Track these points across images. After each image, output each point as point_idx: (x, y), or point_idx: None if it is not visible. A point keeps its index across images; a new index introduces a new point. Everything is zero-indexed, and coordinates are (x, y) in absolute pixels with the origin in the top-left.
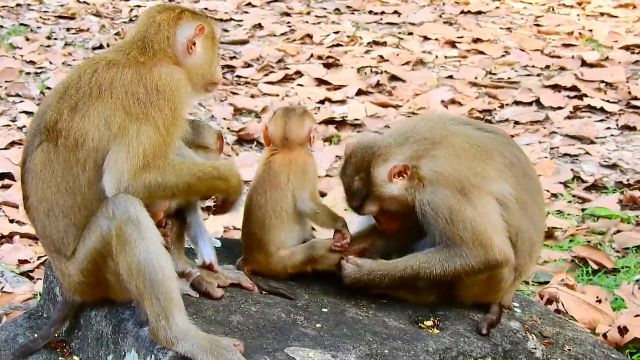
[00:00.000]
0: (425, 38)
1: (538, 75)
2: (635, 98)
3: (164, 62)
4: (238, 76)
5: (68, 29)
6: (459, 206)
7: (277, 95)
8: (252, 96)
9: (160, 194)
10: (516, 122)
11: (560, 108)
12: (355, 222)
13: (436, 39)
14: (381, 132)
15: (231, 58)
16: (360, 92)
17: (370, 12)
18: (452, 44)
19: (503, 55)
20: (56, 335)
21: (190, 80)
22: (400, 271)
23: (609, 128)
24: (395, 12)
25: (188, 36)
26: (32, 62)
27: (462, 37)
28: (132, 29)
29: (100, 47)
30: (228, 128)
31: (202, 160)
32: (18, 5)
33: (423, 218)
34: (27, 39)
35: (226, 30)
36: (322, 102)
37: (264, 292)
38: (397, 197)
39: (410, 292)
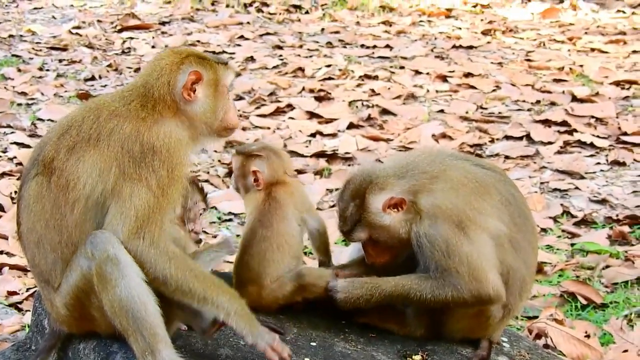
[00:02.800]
0: (417, 72)
1: (529, 110)
2: (625, 134)
3: (165, 116)
4: None
5: (60, 61)
6: (456, 240)
7: (269, 128)
8: (244, 129)
9: (150, 270)
10: (507, 157)
11: (550, 143)
12: (348, 252)
13: (427, 73)
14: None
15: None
16: (351, 126)
17: (362, 45)
18: (444, 78)
19: (494, 90)
20: None
21: (193, 130)
22: (392, 287)
23: (598, 163)
24: (387, 46)
25: (184, 82)
26: (23, 93)
27: (453, 71)
28: (141, 71)
29: (92, 78)
30: (219, 160)
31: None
32: (11, 36)
33: (418, 250)
34: (19, 70)
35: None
36: (313, 135)
37: None
38: (388, 227)
39: (399, 324)
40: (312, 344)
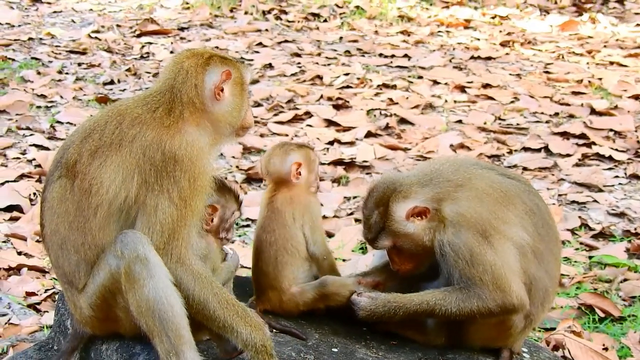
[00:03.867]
0: (435, 82)
1: (547, 122)
2: None
3: (190, 123)
4: None
5: (79, 64)
6: (480, 249)
7: (287, 135)
8: (262, 135)
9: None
10: (524, 168)
11: (568, 155)
12: (373, 257)
13: (446, 84)
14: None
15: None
16: (369, 134)
17: (380, 55)
18: (462, 89)
19: (512, 101)
20: None
21: (216, 132)
22: (416, 305)
23: (617, 176)
24: (406, 55)
25: (215, 82)
26: (43, 96)
27: (471, 82)
28: (161, 74)
29: (111, 82)
30: (237, 166)
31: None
32: (30, 39)
33: (442, 258)
34: (39, 73)
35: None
36: (331, 143)
37: (275, 330)
38: (412, 235)
39: (419, 332)
40: (333, 349)
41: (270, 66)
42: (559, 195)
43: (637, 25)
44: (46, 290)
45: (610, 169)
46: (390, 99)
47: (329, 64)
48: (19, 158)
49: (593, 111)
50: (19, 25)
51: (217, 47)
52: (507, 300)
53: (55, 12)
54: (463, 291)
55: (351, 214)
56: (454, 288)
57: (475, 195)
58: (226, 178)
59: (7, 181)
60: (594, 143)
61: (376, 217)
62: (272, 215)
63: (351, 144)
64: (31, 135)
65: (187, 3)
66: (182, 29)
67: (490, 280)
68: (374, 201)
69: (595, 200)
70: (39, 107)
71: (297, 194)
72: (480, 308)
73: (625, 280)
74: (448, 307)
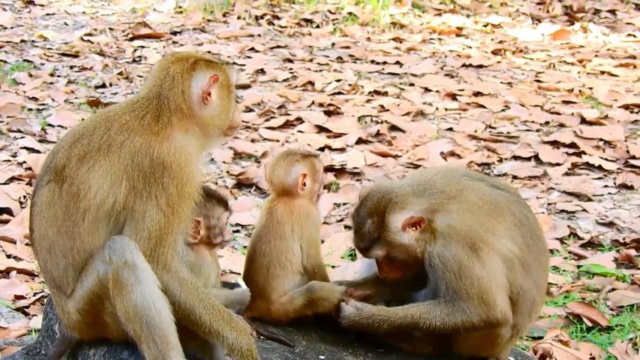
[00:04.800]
0: (426, 89)
1: (537, 130)
2: (634, 157)
3: (178, 129)
4: None
5: (71, 67)
6: (469, 262)
7: (278, 140)
8: (253, 141)
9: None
10: (514, 177)
11: (558, 164)
12: (362, 265)
13: (437, 91)
14: (399, 178)
15: (234, 108)
16: (360, 141)
17: (372, 61)
18: (453, 97)
19: (503, 110)
20: None
21: (205, 135)
22: (400, 319)
23: (606, 186)
24: (397, 62)
25: (202, 87)
26: (34, 99)
27: (462, 90)
28: (148, 80)
29: (103, 86)
30: (227, 172)
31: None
32: (22, 41)
33: (430, 269)
34: (30, 75)
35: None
36: (322, 149)
37: (262, 337)
38: (407, 246)
39: (407, 341)
40: (320, 357)
41: (262, 71)
42: (549, 204)
43: (629, 35)
44: (35, 294)
45: (599, 178)
46: (382, 106)
47: (321, 70)
48: (9, 161)
49: (583, 120)
50: (12, 27)
51: (209, 52)
52: (492, 314)
53: (48, 14)
54: (448, 305)
55: (341, 220)
56: (439, 301)
57: (466, 207)
58: (216, 183)
59: None
60: (584, 152)
61: (370, 227)
62: (270, 226)
63: (342, 150)
64: (22, 137)
65: (180, 7)
66: (174, 33)
67: (476, 294)
68: (367, 210)
69: (584, 210)
70: (30, 109)
71: (299, 204)
72: (465, 322)
73: (613, 289)
74: (432, 321)
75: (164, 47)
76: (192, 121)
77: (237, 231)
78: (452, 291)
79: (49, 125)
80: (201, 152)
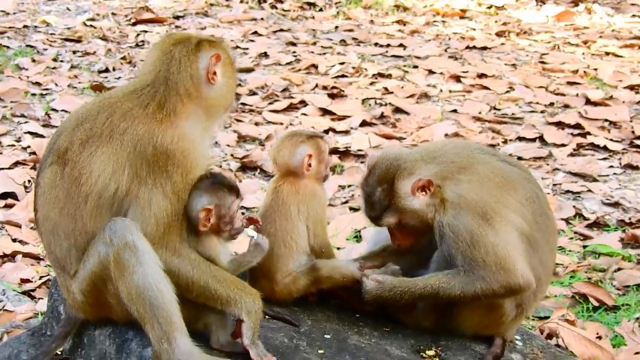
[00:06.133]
0: (430, 72)
1: (542, 112)
2: (639, 137)
3: (182, 115)
4: (243, 104)
5: (74, 52)
6: (481, 231)
7: (281, 123)
8: (257, 124)
9: (174, 278)
10: (519, 158)
11: (563, 145)
12: (367, 244)
13: (441, 73)
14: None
15: (236, 86)
16: (364, 123)
17: (376, 44)
18: (457, 79)
19: (507, 91)
20: (59, 352)
21: (209, 117)
22: (420, 289)
23: (611, 166)
24: (401, 45)
25: (207, 67)
26: (37, 84)
27: (467, 71)
28: (149, 64)
29: (106, 70)
30: (232, 155)
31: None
32: (25, 27)
33: (441, 240)
34: (34, 61)
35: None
36: (326, 132)
37: (267, 317)
38: (417, 211)
39: (408, 314)
40: (326, 336)
41: (265, 55)
42: (554, 184)
43: (633, 15)
44: (41, 277)
45: (605, 159)
46: (386, 88)
47: (324, 53)
48: (13, 145)
49: (588, 101)
50: (14, 13)
51: (212, 36)
52: (512, 280)
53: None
54: (467, 274)
55: (346, 202)
56: (458, 271)
57: (477, 179)
58: (220, 166)
59: (2, 168)
60: (588, 133)
61: (380, 195)
62: (275, 206)
63: (346, 132)
64: (26, 122)
65: None
66: (177, 18)
67: (493, 261)
68: (376, 178)
69: (589, 190)
70: (33, 94)
71: (305, 184)
72: (484, 289)
73: (619, 269)
74: (452, 290)
75: (167, 31)
76: (197, 104)
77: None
78: (469, 260)
79: (53, 110)
80: (205, 136)
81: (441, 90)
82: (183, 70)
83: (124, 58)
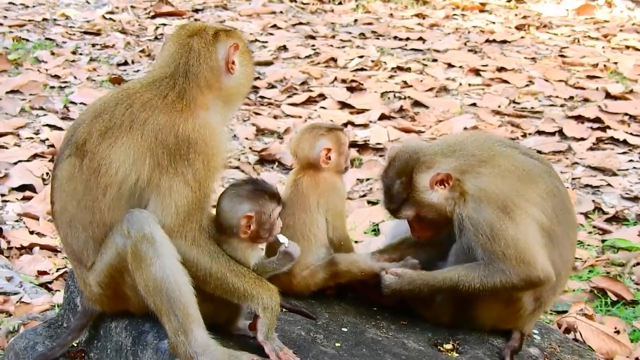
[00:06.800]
0: (450, 65)
1: (562, 105)
2: None
3: (203, 105)
4: (261, 97)
5: (93, 45)
6: (501, 224)
7: (300, 117)
8: (275, 117)
9: (192, 269)
10: (539, 152)
11: (583, 139)
12: (385, 239)
13: (460, 67)
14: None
15: (255, 79)
16: (383, 117)
17: (395, 37)
18: (476, 72)
19: (527, 85)
20: (75, 344)
21: (228, 105)
22: (440, 282)
23: (631, 161)
24: (420, 38)
25: (226, 57)
26: (56, 77)
27: (486, 65)
28: (167, 57)
29: (125, 63)
30: (250, 148)
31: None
32: (44, 19)
33: (460, 233)
34: (53, 54)
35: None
36: (345, 125)
37: (284, 310)
38: (436, 205)
39: (427, 307)
40: (343, 329)
41: (284, 48)
42: (573, 178)
43: None
44: (58, 270)
45: (624, 153)
46: (405, 82)
47: (343, 47)
48: (32, 138)
49: (608, 95)
50: (34, 6)
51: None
52: (532, 273)
53: None
54: (486, 267)
55: (364, 195)
56: (477, 264)
57: (498, 172)
58: (239, 159)
59: (20, 161)
60: (608, 127)
61: (398, 187)
62: (295, 198)
63: (365, 126)
64: (44, 115)
65: None
66: (196, 11)
67: (514, 254)
68: (395, 171)
69: (609, 184)
70: (52, 87)
71: (324, 177)
72: (504, 282)
73: (638, 264)
74: (471, 283)
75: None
76: (217, 94)
77: None
78: (489, 253)
79: (72, 102)
80: (224, 124)
81: (460, 84)
82: (203, 62)
83: (142, 51)
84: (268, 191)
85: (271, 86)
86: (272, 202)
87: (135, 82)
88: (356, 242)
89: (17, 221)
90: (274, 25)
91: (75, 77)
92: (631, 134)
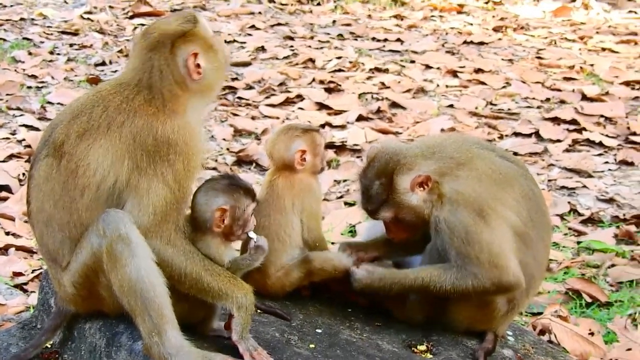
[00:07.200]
0: (427, 67)
1: (538, 107)
2: (634, 134)
3: (178, 108)
4: (239, 97)
5: (71, 45)
6: (476, 228)
7: (278, 117)
8: (253, 118)
9: (167, 269)
10: (515, 153)
11: (559, 141)
12: (365, 231)
13: (438, 68)
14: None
15: (233, 79)
16: (360, 118)
17: (373, 39)
18: (454, 74)
19: (504, 87)
20: (49, 345)
21: (205, 99)
22: (411, 281)
23: (607, 162)
24: (398, 39)
25: (190, 65)
26: (34, 76)
27: (463, 67)
28: (131, 69)
29: (103, 63)
30: (227, 149)
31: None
32: (22, 19)
33: (436, 234)
34: (30, 53)
35: (229, 52)
36: (322, 126)
37: (259, 311)
38: (415, 207)
39: (400, 307)
40: (317, 330)
41: (262, 49)
42: (549, 180)
43: (630, 12)
44: (33, 271)
45: (600, 154)
46: (382, 83)
47: (321, 48)
48: (8, 138)
49: (584, 97)
50: (11, 5)
51: (183, 23)
52: (504, 278)
53: None
54: (459, 269)
55: (341, 197)
56: (450, 265)
57: (475, 175)
58: (216, 160)
59: None
60: (584, 129)
61: (378, 188)
62: (270, 199)
63: (342, 127)
64: (21, 115)
65: None
66: (174, 11)
67: (487, 258)
68: (375, 172)
69: (584, 186)
70: (29, 87)
71: (300, 178)
72: (476, 287)
73: (613, 265)
74: (443, 285)
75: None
76: (190, 95)
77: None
78: (462, 256)
79: (49, 103)
80: (202, 121)
81: (438, 85)
82: (166, 78)
83: (120, 51)
84: (243, 187)
85: (249, 87)
86: (247, 197)
87: (107, 85)
88: (333, 243)
89: None
90: (253, 26)
91: (52, 77)
92: (607, 135)
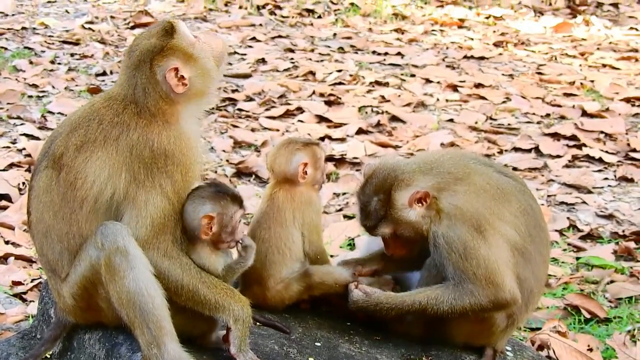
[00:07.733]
0: (428, 81)
1: (538, 123)
2: (634, 150)
3: (172, 119)
4: (239, 109)
5: (72, 55)
6: (474, 243)
7: (278, 130)
8: (253, 130)
9: (164, 281)
10: (514, 169)
11: (559, 156)
12: (364, 245)
13: (438, 82)
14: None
15: (233, 91)
16: (360, 131)
17: (373, 52)
18: (454, 88)
19: (504, 102)
20: (48, 355)
21: (200, 105)
22: (408, 305)
23: (606, 179)
24: (399, 53)
25: (174, 80)
26: (34, 86)
27: (464, 81)
28: (118, 85)
29: (104, 73)
30: (227, 160)
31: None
32: (23, 28)
33: (434, 249)
34: (31, 63)
35: (230, 64)
36: (322, 139)
37: (258, 324)
38: (413, 223)
39: (398, 321)
40: (316, 344)
41: (263, 61)
42: (548, 195)
43: (631, 28)
44: (32, 280)
45: (600, 170)
46: (382, 97)
47: (322, 60)
48: (8, 147)
49: (584, 113)
50: (13, 15)
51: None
52: (500, 295)
53: (49, 2)
54: (455, 288)
55: (340, 210)
56: (446, 286)
57: (473, 190)
58: (216, 172)
59: None
60: (584, 145)
61: (376, 205)
62: (270, 212)
63: (342, 140)
64: (22, 124)
65: None
66: None
67: (484, 275)
68: (373, 188)
69: (584, 202)
70: (30, 96)
71: (300, 191)
72: (473, 305)
73: (612, 281)
74: (440, 306)
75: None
76: (182, 105)
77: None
78: (459, 272)
79: (49, 112)
80: (198, 127)
81: (438, 100)
82: (149, 94)
83: (121, 61)
84: (230, 194)
85: (249, 99)
86: (234, 204)
87: (99, 98)
88: (332, 256)
89: None
90: (253, 38)
91: (53, 87)
92: (607, 152)
